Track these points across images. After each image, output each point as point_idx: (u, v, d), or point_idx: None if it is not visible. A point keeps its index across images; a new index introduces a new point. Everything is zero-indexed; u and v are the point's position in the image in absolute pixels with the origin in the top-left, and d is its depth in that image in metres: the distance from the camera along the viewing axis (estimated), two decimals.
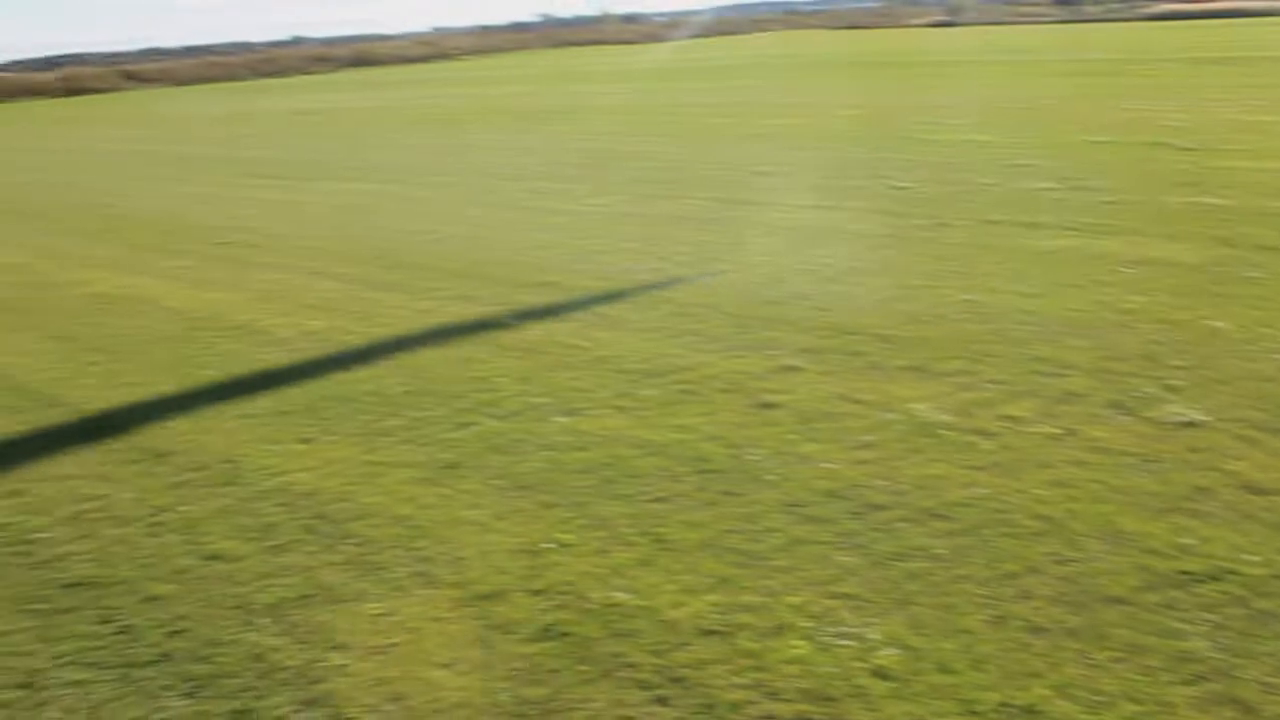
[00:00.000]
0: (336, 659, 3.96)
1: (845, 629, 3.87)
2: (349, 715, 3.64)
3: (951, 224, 10.40)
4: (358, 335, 8.19)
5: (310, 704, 3.72)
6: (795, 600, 4.08)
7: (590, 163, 17.35)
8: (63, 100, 65.80)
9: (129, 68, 78.77)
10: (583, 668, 3.78)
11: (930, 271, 8.67)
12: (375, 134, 26.58)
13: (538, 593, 4.27)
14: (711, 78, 38.85)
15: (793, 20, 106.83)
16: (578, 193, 14.23)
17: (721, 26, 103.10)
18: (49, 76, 74.15)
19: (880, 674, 3.61)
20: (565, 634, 3.98)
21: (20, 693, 3.94)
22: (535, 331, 7.86)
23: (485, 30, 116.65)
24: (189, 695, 3.82)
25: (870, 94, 25.97)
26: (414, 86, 49.14)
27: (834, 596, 4.09)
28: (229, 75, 77.15)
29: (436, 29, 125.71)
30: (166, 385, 7.36)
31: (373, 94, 45.90)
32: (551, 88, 39.45)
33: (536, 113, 28.37)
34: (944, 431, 5.53)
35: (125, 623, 4.34)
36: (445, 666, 3.86)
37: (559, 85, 40.56)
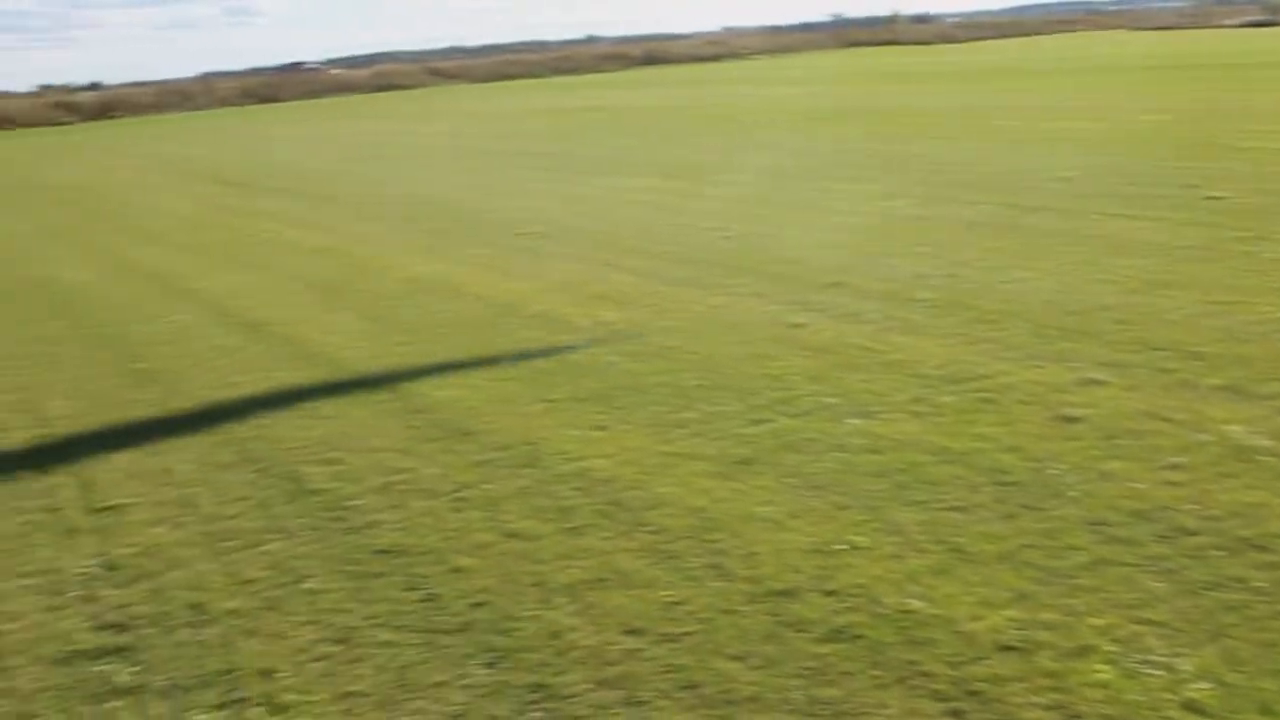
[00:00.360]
0: (630, 643, 4.06)
1: (1153, 657, 3.70)
2: (640, 698, 3.73)
3: (1272, 238, 9.72)
4: (651, 327, 8.37)
5: (603, 684, 3.82)
6: (1099, 622, 3.92)
7: (879, 164, 17.16)
8: (372, 95, 69.80)
9: (435, 65, 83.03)
10: (876, 673, 3.74)
11: (1248, 287, 8.14)
12: (665, 131, 27.05)
13: (830, 593, 4.27)
14: (1006, 79, 37.76)
15: (1093, 20, 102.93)
16: (867, 194, 14.10)
17: (1018, 27, 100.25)
18: (363, 73, 79.13)
19: (1192, 708, 3.43)
20: (858, 637, 3.96)
21: (337, 648, 4.22)
22: (827, 332, 7.84)
23: (775, 30, 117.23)
24: (490, 665, 4.00)
25: (1176, 97, 24.66)
26: (703, 85, 49.76)
27: (1141, 622, 3.91)
28: (525, 72, 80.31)
29: (726, 28, 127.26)
30: (470, 367, 7.71)
31: (663, 92, 46.74)
32: (841, 88, 39.19)
33: (825, 113, 28.25)
34: (1262, 457, 5.20)
35: (431, 591, 4.59)
36: (738, 659, 3.89)
37: (848, 86, 40.25)
